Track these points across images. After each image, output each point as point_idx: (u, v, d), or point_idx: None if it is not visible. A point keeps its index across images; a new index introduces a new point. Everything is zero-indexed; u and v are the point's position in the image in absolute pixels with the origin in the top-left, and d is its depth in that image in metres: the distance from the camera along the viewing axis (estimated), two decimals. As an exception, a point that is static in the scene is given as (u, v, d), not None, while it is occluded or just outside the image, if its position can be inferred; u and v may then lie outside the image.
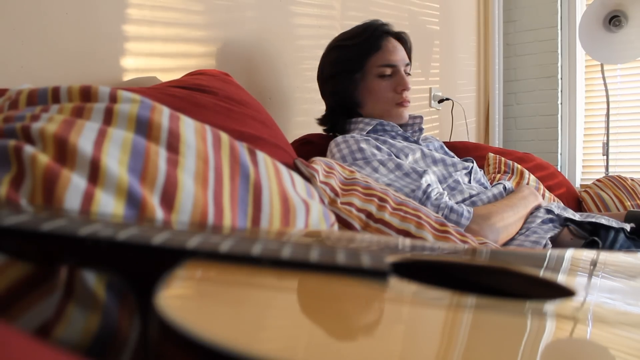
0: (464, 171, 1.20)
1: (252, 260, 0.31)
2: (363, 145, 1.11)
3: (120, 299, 0.39)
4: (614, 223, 1.01)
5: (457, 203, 1.02)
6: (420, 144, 1.26)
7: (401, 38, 1.31)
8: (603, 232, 1.00)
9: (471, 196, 1.09)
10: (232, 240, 0.35)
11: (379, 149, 1.12)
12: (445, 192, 1.02)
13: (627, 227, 1.02)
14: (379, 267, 0.32)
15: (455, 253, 0.40)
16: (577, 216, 1.06)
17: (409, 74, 1.30)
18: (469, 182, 1.19)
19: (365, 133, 1.22)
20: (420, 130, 1.32)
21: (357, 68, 1.26)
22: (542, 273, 0.38)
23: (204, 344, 0.19)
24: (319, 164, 0.83)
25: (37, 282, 0.35)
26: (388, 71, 1.25)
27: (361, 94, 1.28)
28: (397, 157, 1.13)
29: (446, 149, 1.36)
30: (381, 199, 0.80)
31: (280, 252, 0.33)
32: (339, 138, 1.17)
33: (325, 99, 1.35)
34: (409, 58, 1.32)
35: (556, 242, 1.00)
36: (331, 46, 1.32)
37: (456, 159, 1.25)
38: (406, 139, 1.26)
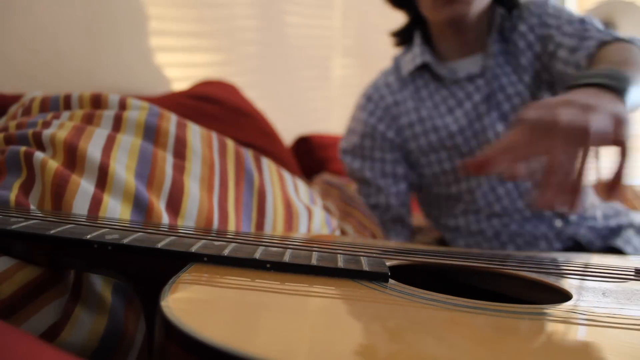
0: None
1: (255, 263, 0.32)
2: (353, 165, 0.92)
3: (127, 301, 0.40)
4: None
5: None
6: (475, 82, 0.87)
7: None
8: None
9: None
10: (236, 245, 0.35)
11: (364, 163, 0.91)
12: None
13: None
14: (379, 270, 0.33)
15: (454, 257, 0.41)
16: None
17: None
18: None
19: (408, 75, 0.94)
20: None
21: None
22: (538, 276, 0.39)
23: (209, 346, 0.19)
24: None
25: (45, 285, 0.36)
26: None
27: None
28: (409, 151, 0.89)
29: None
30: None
31: (283, 256, 0.33)
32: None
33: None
34: None
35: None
36: None
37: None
38: (455, 82, 0.89)
